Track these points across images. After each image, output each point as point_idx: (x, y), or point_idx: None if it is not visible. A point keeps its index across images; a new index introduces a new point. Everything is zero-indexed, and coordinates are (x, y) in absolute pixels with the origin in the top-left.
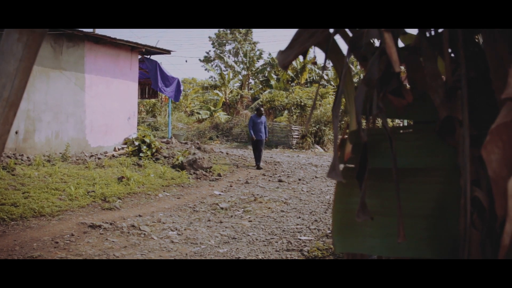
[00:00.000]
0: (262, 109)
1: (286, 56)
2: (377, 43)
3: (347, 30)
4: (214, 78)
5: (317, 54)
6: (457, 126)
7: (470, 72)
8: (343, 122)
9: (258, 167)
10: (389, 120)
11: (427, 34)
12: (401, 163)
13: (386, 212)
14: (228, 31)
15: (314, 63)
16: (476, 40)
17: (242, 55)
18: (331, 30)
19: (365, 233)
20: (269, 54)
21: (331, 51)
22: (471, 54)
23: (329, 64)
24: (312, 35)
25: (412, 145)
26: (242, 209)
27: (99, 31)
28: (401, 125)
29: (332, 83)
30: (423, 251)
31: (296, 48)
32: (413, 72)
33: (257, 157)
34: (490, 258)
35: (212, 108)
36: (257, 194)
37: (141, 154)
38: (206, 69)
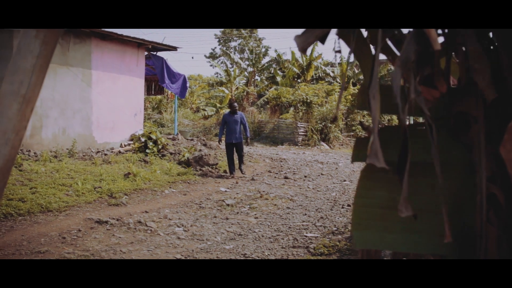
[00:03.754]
0: (235, 104)
1: (306, 38)
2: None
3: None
4: (220, 74)
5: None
6: (472, 123)
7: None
8: (348, 119)
9: (243, 173)
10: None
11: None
12: (414, 158)
13: None
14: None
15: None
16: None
17: (248, 52)
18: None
19: (385, 228)
20: (275, 51)
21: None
22: (484, 50)
23: (336, 60)
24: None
25: (424, 141)
26: (248, 206)
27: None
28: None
29: (338, 80)
30: (441, 247)
31: (317, 29)
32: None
33: (240, 162)
34: (506, 255)
35: (218, 105)
36: (263, 191)
37: (147, 151)
38: (211, 66)
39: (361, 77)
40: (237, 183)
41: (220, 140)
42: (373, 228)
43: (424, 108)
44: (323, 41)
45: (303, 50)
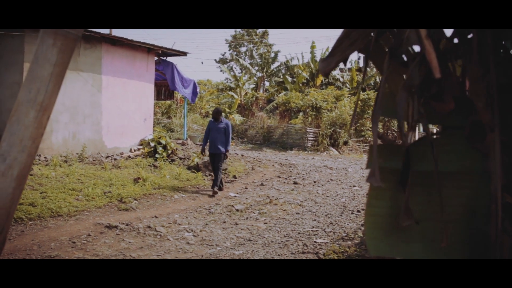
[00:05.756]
0: (216, 110)
1: (328, 64)
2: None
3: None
4: (229, 79)
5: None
6: (487, 132)
7: (500, 77)
8: (358, 124)
9: (214, 192)
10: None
11: (455, 40)
12: (429, 168)
13: (418, 216)
14: (245, 33)
15: (359, 70)
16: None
17: (257, 56)
18: (372, 34)
19: (397, 237)
20: (293, 55)
21: (375, 56)
22: (500, 60)
23: (345, 66)
24: (353, 42)
25: (440, 150)
26: (258, 211)
27: (116, 33)
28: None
29: (347, 85)
30: (455, 256)
31: (338, 55)
32: (442, 77)
33: (215, 177)
34: None
35: (227, 110)
36: (273, 196)
37: (156, 155)
38: (221, 70)
39: (372, 82)
40: (246, 188)
41: (203, 150)
42: (385, 236)
43: (426, 128)
44: (344, 63)
45: (325, 74)
